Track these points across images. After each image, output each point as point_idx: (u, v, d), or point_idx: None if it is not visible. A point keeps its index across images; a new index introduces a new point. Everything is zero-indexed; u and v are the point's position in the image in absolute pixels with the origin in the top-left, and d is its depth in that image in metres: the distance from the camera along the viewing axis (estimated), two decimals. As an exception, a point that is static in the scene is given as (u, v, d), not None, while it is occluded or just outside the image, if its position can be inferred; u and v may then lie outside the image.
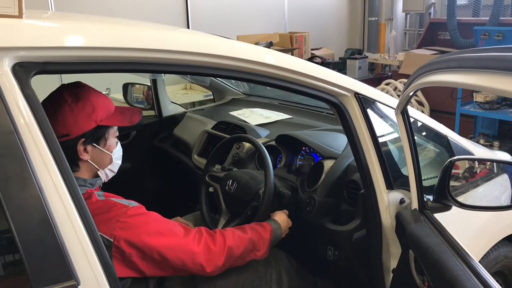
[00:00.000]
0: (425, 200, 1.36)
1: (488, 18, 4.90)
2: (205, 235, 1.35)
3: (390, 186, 1.45)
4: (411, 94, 1.12)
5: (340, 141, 1.82)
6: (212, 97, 3.11)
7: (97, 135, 1.34)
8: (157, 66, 1.11)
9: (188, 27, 4.86)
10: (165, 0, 4.66)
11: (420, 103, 4.70)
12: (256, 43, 4.87)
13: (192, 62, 1.13)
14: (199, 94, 4.01)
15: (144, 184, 2.54)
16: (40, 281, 0.86)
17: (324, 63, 4.95)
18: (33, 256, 0.86)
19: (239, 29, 5.03)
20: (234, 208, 1.68)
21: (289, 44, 5.12)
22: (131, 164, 2.48)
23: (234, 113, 2.49)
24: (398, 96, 4.50)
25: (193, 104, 4.01)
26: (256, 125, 2.28)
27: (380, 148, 1.43)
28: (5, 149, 0.86)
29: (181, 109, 2.80)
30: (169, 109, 2.69)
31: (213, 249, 1.34)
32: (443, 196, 1.34)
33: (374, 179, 1.45)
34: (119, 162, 1.44)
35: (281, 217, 1.58)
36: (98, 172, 1.38)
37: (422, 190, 1.33)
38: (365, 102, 1.43)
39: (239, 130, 2.20)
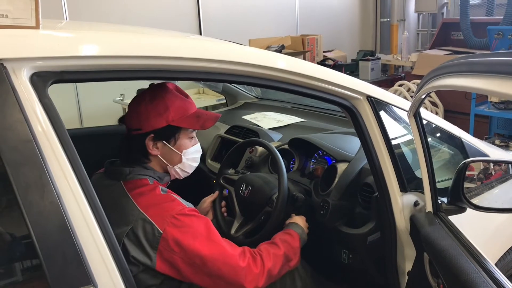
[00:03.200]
0: (440, 202, 1.36)
1: (502, 17, 4.85)
2: (248, 255, 1.35)
3: (404, 189, 1.45)
4: (423, 97, 1.12)
5: (353, 144, 1.82)
6: (224, 101, 3.13)
7: (167, 134, 1.40)
8: (170, 73, 1.13)
9: (200, 32, 4.90)
10: (177, 6, 4.70)
11: (434, 104, 4.67)
12: (268, 47, 4.88)
13: (205, 69, 1.15)
14: (212, 98, 4.04)
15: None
16: (59, 286, 0.88)
17: (336, 65, 4.94)
18: (52, 261, 0.88)
19: (250, 33, 5.05)
20: (247, 211, 1.68)
21: (301, 46, 5.12)
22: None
23: (247, 117, 2.51)
24: (412, 97, 4.47)
25: (206, 108, 4.04)
26: (269, 128, 2.29)
27: (393, 150, 1.43)
28: (24, 158, 0.88)
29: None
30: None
31: (255, 271, 1.33)
32: (458, 198, 1.33)
33: (387, 181, 1.45)
34: (193, 164, 1.49)
35: (302, 221, 1.60)
36: (168, 168, 1.45)
37: (436, 192, 1.33)
38: (377, 105, 1.43)
39: (252, 134, 2.21)
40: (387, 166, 1.43)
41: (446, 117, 4.63)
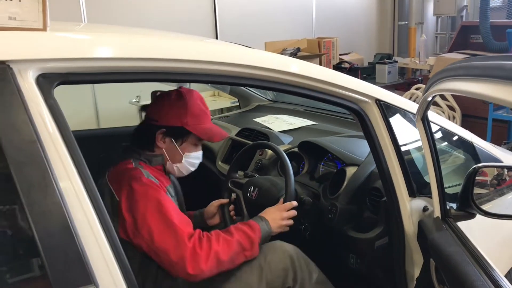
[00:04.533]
0: (448, 208, 1.33)
1: (522, 20, 4.76)
2: (196, 237, 1.37)
3: (412, 194, 1.43)
4: (429, 99, 1.11)
5: (363, 147, 1.81)
6: (238, 103, 3.13)
7: (177, 133, 1.54)
8: (175, 75, 1.13)
9: (216, 34, 4.92)
10: (193, 9, 4.73)
11: (451, 108, 4.60)
12: (284, 49, 4.88)
13: (212, 72, 1.15)
14: (226, 101, 4.05)
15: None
16: (60, 285, 0.89)
17: (352, 68, 4.91)
18: (54, 261, 0.89)
19: (266, 35, 5.05)
20: (256, 214, 1.68)
21: (317, 49, 5.10)
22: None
23: (259, 119, 2.51)
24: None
25: (221, 110, 4.05)
26: (280, 131, 2.28)
27: (402, 155, 1.41)
28: (28, 158, 0.89)
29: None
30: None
31: (199, 253, 1.33)
32: (467, 204, 1.31)
33: (396, 186, 1.43)
34: (190, 168, 1.61)
35: (269, 213, 1.54)
36: (167, 164, 1.57)
37: (444, 197, 1.30)
38: (387, 109, 1.42)
39: (262, 136, 2.21)
40: (396, 170, 1.42)
41: (463, 122, 4.55)
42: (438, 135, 1.64)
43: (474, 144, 1.64)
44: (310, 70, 1.30)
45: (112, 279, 0.96)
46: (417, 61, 5.39)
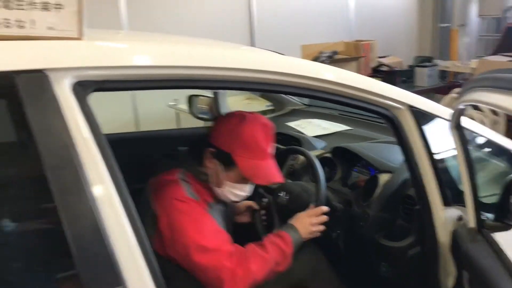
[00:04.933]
0: (484, 218, 1.29)
1: None
2: (235, 256, 1.33)
3: (447, 203, 1.40)
4: (461, 108, 1.08)
5: (397, 154, 1.77)
6: (273, 107, 3.14)
7: (224, 159, 1.42)
8: (206, 82, 1.15)
9: (252, 37, 4.94)
10: (229, 11, 4.77)
11: (494, 113, 4.44)
12: (320, 52, 4.85)
13: (245, 79, 1.16)
14: (261, 104, 4.05)
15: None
16: (91, 286, 0.92)
17: (391, 71, 4.82)
18: (86, 262, 0.92)
19: (303, 38, 5.03)
20: (286, 219, 1.68)
21: (355, 52, 5.05)
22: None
23: (292, 124, 2.50)
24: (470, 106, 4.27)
25: (266, 113, 4.07)
26: (313, 136, 2.27)
27: (436, 162, 1.38)
28: (63, 162, 0.92)
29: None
30: (230, 120, 2.74)
31: (239, 274, 1.30)
32: (504, 214, 1.27)
33: (429, 194, 1.40)
34: (232, 197, 1.49)
35: (300, 219, 1.51)
36: (210, 184, 1.46)
37: (479, 207, 1.27)
38: (420, 115, 1.39)
39: (295, 141, 2.21)
40: (429, 178, 1.39)
41: (509, 127, 4.38)
42: (476, 143, 1.60)
43: (514, 153, 1.58)
44: (343, 77, 1.30)
45: (141, 281, 0.98)
46: (459, 64, 5.24)
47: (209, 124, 2.91)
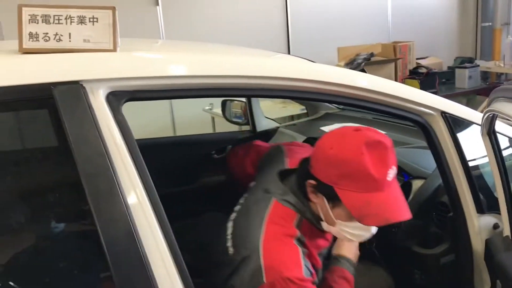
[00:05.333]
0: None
1: None
2: None
3: (481, 210, 1.37)
4: (490, 116, 1.06)
5: (431, 160, 1.74)
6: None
7: (328, 193, 1.15)
8: (237, 91, 1.18)
9: (288, 40, 4.95)
10: (265, 15, 4.80)
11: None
12: (357, 55, 4.80)
13: (273, 87, 1.18)
14: (296, 108, 4.07)
15: (239, 196, 2.63)
16: (123, 285, 0.96)
17: (430, 73, 4.73)
18: (119, 265, 0.95)
19: (340, 40, 5.01)
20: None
21: (392, 54, 4.97)
22: (227, 177, 2.61)
23: (325, 128, 2.49)
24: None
25: (291, 117, 4.08)
26: (346, 141, 2.26)
27: (469, 169, 1.36)
28: (97, 169, 0.97)
29: (275, 124, 2.87)
30: (263, 124, 2.76)
31: None
32: (541, 223, 1.24)
33: (463, 201, 1.38)
34: (352, 238, 1.22)
35: (347, 248, 1.38)
36: (322, 224, 1.24)
37: (515, 216, 1.24)
38: (453, 121, 1.37)
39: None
40: (463, 185, 1.37)
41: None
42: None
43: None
44: (374, 83, 1.30)
45: (172, 285, 1.01)
46: (502, 65, 5.07)
47: (243, 128, 2.98)
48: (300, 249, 1.18)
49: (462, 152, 1.35)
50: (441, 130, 1.36)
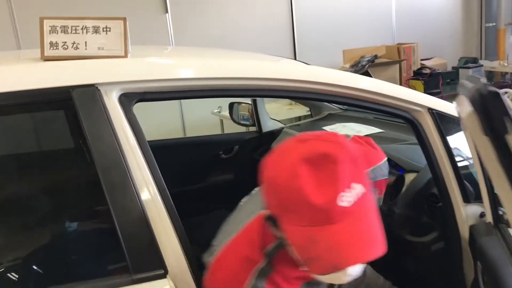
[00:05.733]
0: (501, 213, 1.36)
1: None
2: None
3: (467, 200, 1.46)
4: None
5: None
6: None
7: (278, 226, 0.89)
8: (236, 91, 1.30)
9: (294, 42, 5.05)
10: (270, 17, 4.92)
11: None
12: (362, 57, 4.90)
13: (270, 87, 1.29)
14: (302, 109, 4.17)
15: (244, 195, 2.74)
16: (137, 268, 1.07)
17: (433, 74, 4.81)
18: (132, 248, 1.07)
19: (345, 43, 5.11)
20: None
21: (397, 55, 5.06)
22: (234, 176, 2.73)
23: (327, 128, 2.59)
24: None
25: (299, 118, 4.19)
26: (347, 139, 2.36)
27: (455, 162, 1.46)
28: (111, 163, 1.09)
29: (280, 125, 2.98)
30: (269, 125, 2.87)
31: None
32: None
33: (450, 192, 1.47)
34: (324, 280, 0.95)
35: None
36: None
37: (495, 203, 1.33)
38: (440, 117, 1.47)
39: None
40: (450, 177, 1.46)
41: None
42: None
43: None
44: (364, 83, 1.40)
45: (179, 265, 1.12)
46: (506, 64, 5.14)
47: (249, 129, 3.10)
48: (249, 281, 0.96)
49: (449, 146, 1.45)
50: (428, 125, 1.46)
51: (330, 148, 0.85)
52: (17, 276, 1.12)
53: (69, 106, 1.08)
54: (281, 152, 0.91)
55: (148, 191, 1.12)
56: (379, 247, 0.83)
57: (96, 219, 1.21)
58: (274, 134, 2.82)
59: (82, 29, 1.19)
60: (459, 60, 5.52)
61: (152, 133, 3.34)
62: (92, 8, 4.01)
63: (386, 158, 1.23)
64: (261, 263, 0.98)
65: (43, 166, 1.19)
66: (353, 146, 0.90)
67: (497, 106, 0.48)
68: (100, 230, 1.18)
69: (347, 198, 0.82)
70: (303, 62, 1.52)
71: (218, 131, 4.48)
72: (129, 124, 1.14)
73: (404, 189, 1.72)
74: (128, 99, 1.16)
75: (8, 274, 1.11)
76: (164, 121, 4.32)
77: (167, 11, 4.45)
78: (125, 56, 1.20)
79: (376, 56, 4.69)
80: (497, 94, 0.48)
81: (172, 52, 1.79)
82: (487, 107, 0.48)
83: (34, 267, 1.15)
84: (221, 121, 4.49)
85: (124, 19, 1.21)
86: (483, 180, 1.32)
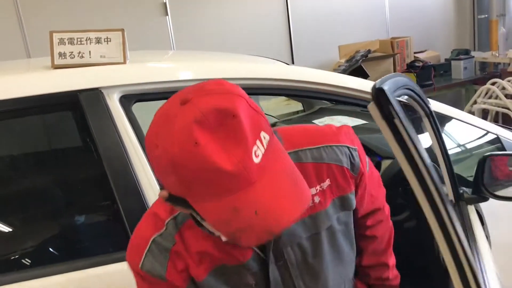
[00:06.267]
0: (462, 191, 1.53)
1: None
2: None
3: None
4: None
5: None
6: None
7: (186, 208, 0.77)
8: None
9: (290, 39, 5.20)
10: (266, 13, 5.06)
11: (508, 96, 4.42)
12: (356, 52, 5.06)
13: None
14: (298, 105, 4.34)
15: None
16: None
17: (425, 66, 4.96)
18: (131, 221, 1.24)
19: (340, 38, 5.25)
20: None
21: (390, 49, 5.22)
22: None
23: (316, 121, 2.77)
24: (506, 96, 4.29)
25: (297, 113, 4.36)
26: (334, 131, 2.54)
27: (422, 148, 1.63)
28: (115, 155, 1.27)
29: (274, 120, 3.16)
30: (263, 120, 3.06)
31: None
32: (478, 188, 1.50)
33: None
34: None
35: None
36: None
37: (455, 181, 1.50)
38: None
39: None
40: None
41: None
42: (462, 129, 1.83)
43: (499, 136, 1.79)
44: (330, 78, 1.57)
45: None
46: (497, 55, 5.28)
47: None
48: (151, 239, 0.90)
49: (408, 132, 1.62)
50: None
51: (221, 101, 0.71)
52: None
53: (77, 107, 1.27)
54: (164, 123, 0.73)
55: (146, 177, 1.29)
56: (305, 194, 0.75)
57: (102, 199, 1.40)
58: (268, 129, 3.00)
59: (86, 40, 1.37)
60: (451, 52, 5.66)
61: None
62: (96, 13, 4.21)
63: (349, 146, 1.08)
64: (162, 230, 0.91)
65: (56, 158, 1.38)
66: (240, 88, 0.78)
67: (384, 99, 0.67)
68: (104, 206, 1.37)
69: (260, 151, 0.71)
70: (284, 62, 1.70)
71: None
72: (129, 122, 1.32)
73: (380, 173, 1.90)
74: (128, 100, 1.35)
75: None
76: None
77: (167, 14, 4.63)
78: (124, 62, 1.39)
79: (369, 51, 4.84)
80: (382, 89, 0.66)
81: (166, 56, 1.98)
82: (378, 100, 0.67)
83: (59, 243, 1.34)
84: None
85: (122, 30, 1.39)
86: (443, 161, 1.50)
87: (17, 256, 1.25)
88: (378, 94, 0.66)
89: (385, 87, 0.66)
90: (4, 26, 3.95)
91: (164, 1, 4.57)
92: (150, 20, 4.54)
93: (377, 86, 0.67)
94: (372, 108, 0.68)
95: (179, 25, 4.68)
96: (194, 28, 4.74)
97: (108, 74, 1.34)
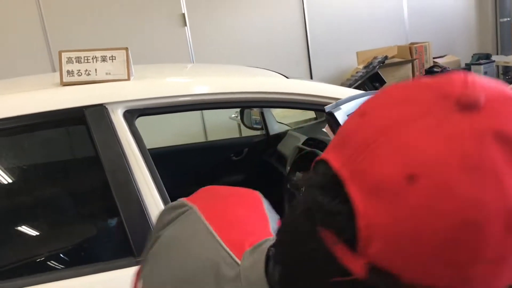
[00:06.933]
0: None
1: None
2: None
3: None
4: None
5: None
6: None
7: None
8: (221, 104, 1.55)
9: (307, 45, 5.24)
10: (284, 23, 5.12)
11: None
12: (374, 58, 5.06)
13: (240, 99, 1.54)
14: (310, 112, 4.37)
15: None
16: (139, 250, 1.33)
17: (444, 71, 4.92)
18: (134, 232, 1.33)
19: (358, 44, 5.26)
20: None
21: (409, 55, 5.20)
22: (244, 177, 2.98)
23: (326, 129, 2.81)
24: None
25: (309, 120, 4.40)
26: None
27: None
28: (117, 167, 1.35)
29: (286, 128, 3.21)
30: (275, 128, 3.11)
31: None
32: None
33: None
34: None
35: None
36: None
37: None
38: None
39: (323, 145, 2.52)
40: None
41: None
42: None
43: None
44: (328, 90, 1.62)
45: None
46: (519, 59, 5.20)
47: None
48: None
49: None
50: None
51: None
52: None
53: (83, 122, 1.36)
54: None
55: (148, 188, 1.37)
56: None
57: (106, 210, 1.48)
58: (280, 137, 3.06)
59: (92, 58, 1.46)
60: (472, 56, 5.60)
61: (176, 137, 3.65)
62: (115, 26, 4.35)
63: None
64: None
65: (63, 170, 1.47)
66: None
67: (333, 120, 0.72)
68: (107, 218, 1.46)
69: None
70: (283, 75, 1.75)
71: (236, 134, 4.74)
72: (132, 135, 1.40)
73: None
74: (131, 115, 1.43)
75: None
76: (187, 127, 4.62)
77: (186, 24, 4.74)
78: (128, 79, 1.47)
79: (386, 57, 4.83)
80: (331, 113, 0.72)
81: (170, 71, 2.06)
82: (329, 119, 0.72)
83: (58, 249, 1.43)
84: (239, 125, 4.74)
85: (126, 49, 1.48)
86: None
87: (23, 263, 1.34)
88: (329, 118, 0.72)
89: (336, 111, 0.72)
90: (30, 41, 4.14)
91: (183, 12, 4.68)
92: (170, 31, 4.66)
93: (327, 111, 0.72)
94: (327, 130, 0.73)
95: (198, 36, 4.78)
96: (212, 39, 4.83)
97: (112, 90, 1.42)
